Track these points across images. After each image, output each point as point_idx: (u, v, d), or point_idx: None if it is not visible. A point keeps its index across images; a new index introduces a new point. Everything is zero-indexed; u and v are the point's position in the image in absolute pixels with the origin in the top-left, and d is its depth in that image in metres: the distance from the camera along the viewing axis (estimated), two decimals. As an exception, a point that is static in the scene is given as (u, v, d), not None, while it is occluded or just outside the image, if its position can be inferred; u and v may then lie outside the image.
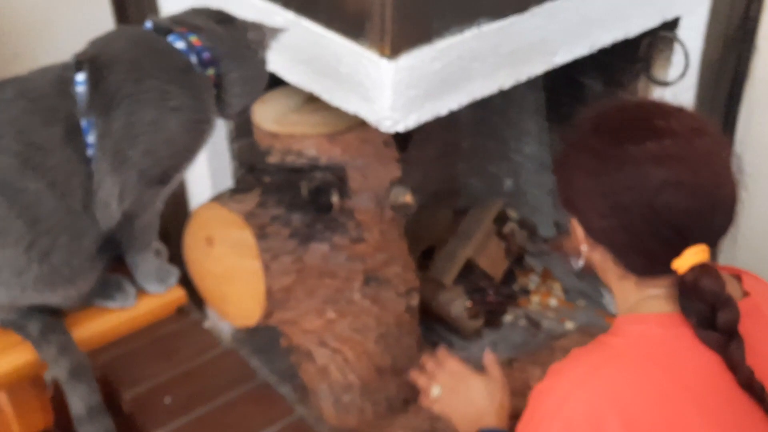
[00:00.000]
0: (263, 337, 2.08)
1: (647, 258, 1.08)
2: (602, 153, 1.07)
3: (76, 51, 1.16)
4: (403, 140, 1.76)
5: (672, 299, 1.08)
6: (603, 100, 1.15)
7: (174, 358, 2.03)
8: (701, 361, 1.04)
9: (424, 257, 2.13)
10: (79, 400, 1.19)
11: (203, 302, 2.10)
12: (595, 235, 1.11)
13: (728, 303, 1.03)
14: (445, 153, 2.38)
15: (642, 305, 1.11)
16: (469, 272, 2.12)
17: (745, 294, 1.12)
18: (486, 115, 2.30)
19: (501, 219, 2.23)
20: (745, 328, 1.04)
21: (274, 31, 1.26)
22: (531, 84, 1.87)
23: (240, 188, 1.62)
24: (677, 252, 1.04)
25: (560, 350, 1.75)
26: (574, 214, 1.14)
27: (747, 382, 1.02)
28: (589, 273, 2.00)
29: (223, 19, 1.21)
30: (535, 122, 2.16)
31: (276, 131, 1.59)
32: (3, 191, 1.09)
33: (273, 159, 1.63)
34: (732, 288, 1.08)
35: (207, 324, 2.13)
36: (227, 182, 1.88)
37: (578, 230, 1.14)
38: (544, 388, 1.08)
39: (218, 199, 1.60)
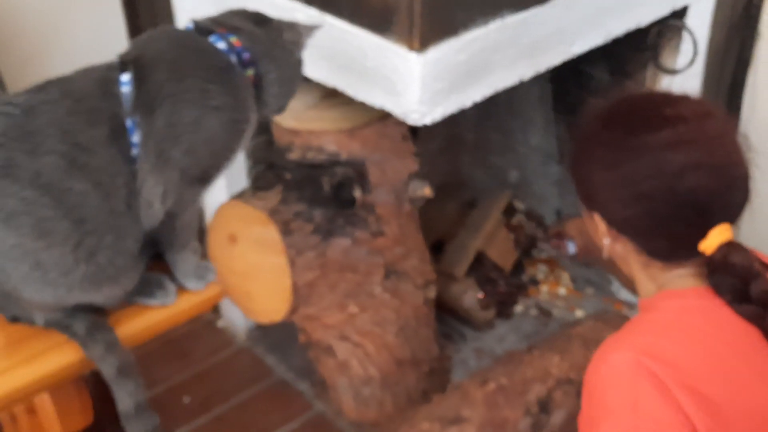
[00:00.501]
0: (278, 335, 2.10)
1: (673, 242, 1.10)
2: (618, 145, 1.10)
3: (120, 52, 1.16)
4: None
5: (700, 277, 1.11)
6: (607, 94, 1.18)
7: (190, 358, 2.04)
8: (743, 330, 1.07)
9: (433, 250, 2.16)
10: (128, 397, 1.19)
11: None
12: (619, 225, 1.13)
13: (759, 275, 1.07)
14: (450, 146, 2.41)
15: (671, 283, 1.13)
16: (480, 264, 2.15)
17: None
18: (491, 108, 2.32)
19: (509, 210, 2.26)
20: None
21: (310, 29, 1.27)
22: (537, 75, 1.90)
23: (261, 185, 1.63)
24: (702, 233, 1.07)
25: (577, 337, 1.76)
26: (594, 209, 1.16)
27: None
28: (582, 261, 2.03)
29: (260, 20, 1.22)
30: (541, 113, 2.19)
31: (296, 128, 1.61)
32: (50, 191, 1.09)
33: (293, 155, 1.64)
34: (758, 265, 1.11)
35: (221, 323, 2.14)
36: (242, 180, 1.89)
37: (600, 224, 1.16)
38: (600, 373, 1.08)
39: (240, 196, 1.61)
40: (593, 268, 2.20)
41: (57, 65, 1.19)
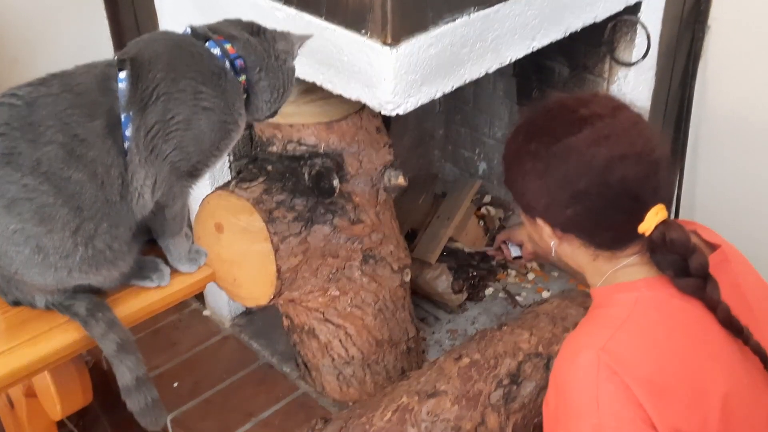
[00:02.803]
0: (262, 322, 2.19)
1: (615, 230, 1.18)
2: (545, 153, 1.17)
3: (117, 53, 1.24)
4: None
5: (646, 264, 1.18)
6: (523, 110, 1.25)
7: (178, 346, 2.12)
8: (693, 315, 1.15)
9: (407, 239, 2.25)
10: (128, 371, 1.27)
11: (201, 291, 2.20)
12: (562, 226, 1.20)
13: (695, 250, 1.14)
14: (421, 141, 2.51)
15: (621, 275, 1.20)
16: (451, 250, 2.26)
17: (714, 247, 1.23)
18: (458, 104, 2.44)
19: (478, 200, 2.37)
20: (720, 277, 1.15)
21: (302, 39, 1.35)
22: (501, 71, 2.00)
23: (244, 177, 1.71)
24: (640, 217, 1.14)
25: (544, 314, 1.86)
26: (537, 216, 1.22)
27: (726, 319, 1.14)
28: (533, 260, 2.08)
29: (254, 30, 1.30)
30: (506, 107, 2.30)
31: (277, 122, 1.70)
32: (49, 179, 1.16)
33: (275, 148, 1.73)
34: (695, 239, 1.20)
35: (206, 312, 2.22)
36: (224, 174, 1.98)
37: (545, 228, 1.22)
38: (567, 372, 1.14)
39: (225, 187, 1.69)
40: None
41: (43, 68, 1.25)
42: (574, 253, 1.23)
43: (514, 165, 1.23)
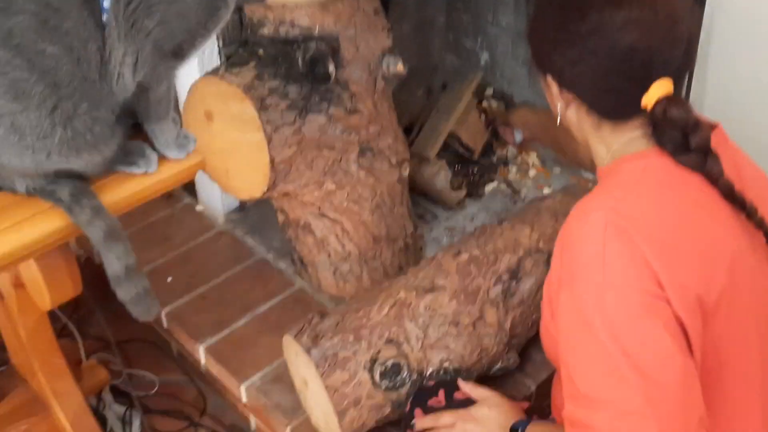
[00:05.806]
0: (255, 218, 2.14)
1: (618, 97, 1.16)
2: (566, 6, 1.16)
3: None
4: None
5: (652, 138, 1.17)
6: None
7: (171, 241, 2.07)
8: (700, 183, 1.14)
9: (406, 134, 2.18)
10: (117, 260, 1.23)
11: (193, 186, 2.14)
12: (568, 84, 1.19)
13: (697, 125, 1.13)
14: (420, 29, 2.40)
15: (628, 147, 1.19)
16: (450, 145, 2.19)
17: (713, 126, 1.22)
18: (461, -11, 2.33)
19: (479, 92, 2.28)
20: (721, 154, 1.14)
21: None
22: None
23: (235, 62, 1.63)
24: (644, 88, 1.13)
25: (546, 210, 1.82)
26: (547, 71, 1.22)
27: (728, 193, 1.14)
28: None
29: None
30: (511, -8, 2.20)
31: (269, 1, 1.60)
32: (22, 53, 1.09)
33: (266, 31, 1.64)
34: (698, 117, 1.17)
35: (199, 208, 2.16)
36: (213, 59, 1.89)
37: (553, 87, 1.22)
38: (573, 232, 1.14)
39: (214, 72, 1.61)
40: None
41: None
42: (579, 120, 1.22)
43: (537, 15, 1.23)
